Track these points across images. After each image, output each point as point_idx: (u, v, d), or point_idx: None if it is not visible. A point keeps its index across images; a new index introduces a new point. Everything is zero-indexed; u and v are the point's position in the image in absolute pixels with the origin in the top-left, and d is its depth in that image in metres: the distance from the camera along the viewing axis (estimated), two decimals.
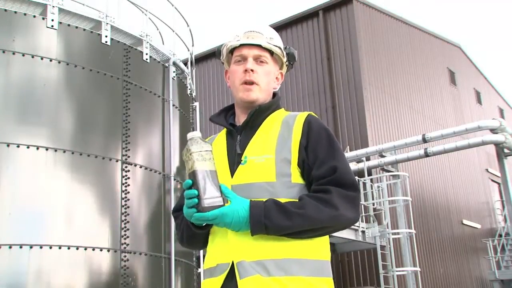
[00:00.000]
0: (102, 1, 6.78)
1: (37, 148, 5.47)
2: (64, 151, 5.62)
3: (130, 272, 5.79)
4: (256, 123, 1.97)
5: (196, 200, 1.70)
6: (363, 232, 12.62)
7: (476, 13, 77.63)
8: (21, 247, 5.12)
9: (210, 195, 1.69)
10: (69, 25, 6.13)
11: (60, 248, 5.31)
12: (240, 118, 2.02)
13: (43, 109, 5.69)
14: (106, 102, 6.27)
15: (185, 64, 8.12)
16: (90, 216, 5.71)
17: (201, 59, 18.73)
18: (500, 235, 19.37)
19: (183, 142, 6.96)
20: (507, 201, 14.30)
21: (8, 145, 5.36)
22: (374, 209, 13.15)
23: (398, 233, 13.01)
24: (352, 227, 11.82)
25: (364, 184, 13.10)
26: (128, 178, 6.07)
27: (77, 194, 5.68)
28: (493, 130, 13.38)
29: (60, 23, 6.03)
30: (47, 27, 5.90)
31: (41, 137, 5.55)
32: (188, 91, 7.96)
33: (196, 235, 1.92)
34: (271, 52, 2.01)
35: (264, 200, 1.78)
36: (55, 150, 5.56)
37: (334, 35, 16.48)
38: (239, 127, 2.00)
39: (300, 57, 16.43)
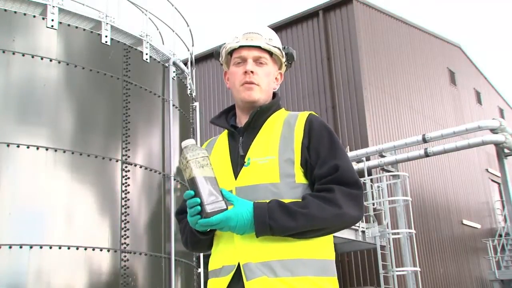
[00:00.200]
0: (102, 1, 6.78)
1: (37, 148, 5.47)
2: (64, 151, 5.62)
3: (130, 272, 5.79)
4: (257, 124, 1.97)
5: (199, 208, 1.69)
6: (363, 232, 12.62)
7: (476, 13, 77.65)
8: (21, 247, 5.12)
9: (211, 201, 1.69)
10: (69, 25, 6.13)
11: (60, 248, 5.30)
12: (241, 119, 2.02)
13: (43, 109, 5.69)
14: (106, 102, 6.26)
15: (185, 64, 8.12)
16: (90, 216, 5.71)
17: (201, 59, 18.73)
18: (500, 235, 19.37)
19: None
20: (507, 201, 14.30)
21: (8, 145, 5.36)
22: (374, 209, 13.15)
23: (398, 233, 13.01)
24: (352, 227, 11.82)
25: (364, 184, 13.09)
26: (128, 178, 6.07)
27: (77, 194, 5.68)
28: (493, 130, 13.39)
29: (60, 23, 6.02)
30: (47, 27, 5.89)
31: (41, 137, 5.55)
32: (188, 91, 7.96)
33: (201, 241, 1.91)
34: (270, 53, 2.01)
35: (267, 201, 1.78)
36: (55, 150, 5.56)
37: (334, 35, 16.48)
38: (241, 128, 1.99)
39: (300, 57, 16.44)
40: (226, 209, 1.70)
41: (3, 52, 5.61)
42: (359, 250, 13.90)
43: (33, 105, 5.65)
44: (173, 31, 7.91)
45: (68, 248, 5.34)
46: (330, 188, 1.80)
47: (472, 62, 23.32)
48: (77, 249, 5.40)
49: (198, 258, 7.55)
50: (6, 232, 5.18)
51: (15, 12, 5.83)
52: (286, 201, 1.78)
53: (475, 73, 23.47)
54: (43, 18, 5.92)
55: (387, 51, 17.17)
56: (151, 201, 6.42)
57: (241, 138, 1.97)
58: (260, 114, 1.96)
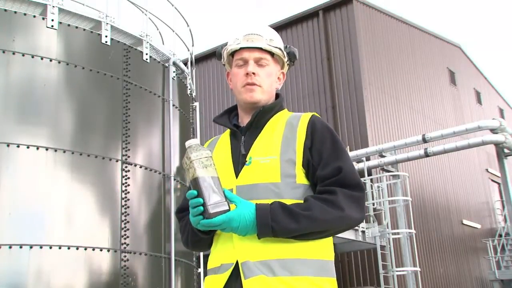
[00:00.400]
0: (102, 1, 6.79)
1: (37, 148, 5.47)
2: (64, 151, 5.61)
3: (130, 272, 5.79)
4: (260, 124, 1.97)
5: (201, 208, 1.69)
6: (363, 232, 12.62)
7: (476, 13, 77.66)
8: (21, 247, 5.12)
9: (214, 201, 1.69)
10: (69, 25, 6.12)
11: (60, 248, 5.30)
12: (244, 119, 2.02)
13: (43, 109, 5.69)
14: (106, 102, 6.26)
15: (185, 64, 8.12)
16: (90, 216, 5.71)
17: (201, 59, 18.73)
18: (500, 235, 19.38)
19: (183, 142, 6.94)
20: (507, 201, 14.30)
21: (8, 145, 5.36)
22: (374, 209, 13.15)
23: (398, 233, 13.00)
24: None
25: (364, 184, 13.08)
26: (128, 178, 6.07)
27: (77, 194, 5.67)
28: (493, 130, 13.38)
29: (60, 23, 6.02)
30: (47, 27, 5.89)
31: (41, 137, 5.55)
32: (188, 91, 7.96)
33: (201, 240, 1.92)
34: (271, 54, 2.01)
35: (269, 201, 1.78)
36: (55, 150, 5.56)
37: (334, 35, 16.48)
38: (243, 128, 2.00)
39: (300, 57, 16.43)
40: (229, 210, 1.70)
41: (3, 52, 5.61)
42: (359, 250, 13.90)
43: (33, 105, 5.65)
44: (173, 31, 7.91)
45: (68, 248, 5.34)
46: (332, 190, 1.80)
47: (472, 62, 23.32)
48: (77, 249, 5.40)
49: (198, 258, 7.54)
50: (6, 232, 5.18)
51: (15, 12, 5.83)
52: (286, 201, 1.79)
53: (475, 73, 23.47)
54: (43, 18, 5.91)
55: (387, 51, 17.17)
56: (151, 201, 6.42)
57: (243, 137, 1.97)
58: (262, 114, 1.97)
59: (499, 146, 13.62)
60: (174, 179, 6.76)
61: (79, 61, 6.03)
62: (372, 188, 13.20)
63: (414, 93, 18.05)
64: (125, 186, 6.00)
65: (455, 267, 17.30)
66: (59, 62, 5.87)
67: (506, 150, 13.71)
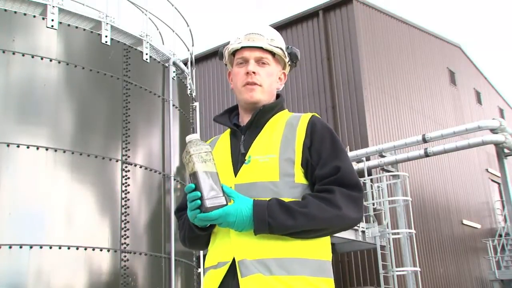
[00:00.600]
0: (102, 1, 6.79)
1: (37, 148, 5.47)
2: (64, 151, 5.62)
3: (130, 272, 5.79)
4: (260, 123, 1.98)
5: (199, 202, 1.70)
6: (363, 232, 12.62)
7: (476, 13, 77.66)
8: (21, 247, 5.12)
9: (212, 196, 1.69)
10: (69, 25, 6.13)
11: (60, 248, 5.30)
12: (244, 118, 2.03)
13: (43, 109, 5.69)
14: (106, 102, 6.26)
15: (185, 64, 8.12)
16: (90, 216, 5.71)
17: (201, 59, 18.73)
18: (500, 235, 19.38)
19: (183, 142, 6.94)
20: (507, 201, 14.30)
21: (8, 145, 5.36)
22: (374, 209, 13.15)
23: (398, 233, 13.00)
24: None
25: (364, 184, 13.08)
26: (128, 178, 6.07)
27: (77, 194, 5.68)
28: (493, 130, 13.38)
29: (60, 23, 6.02)
30: (47, 27, 5.89)
31: (41, 137, 5.55)
32: (188, 91, 7.96)
33: (199, 237, 1.92)
34: (272, 53, 2.02)
35: (267, 199, 1.78)
36: (55, 150, 5.56)
37: (334, 35, 16.48)
38: (243, 127, 2.01)
39: (300, 57, 16.27)
40: (226, 204, 1.71)
41: (3, 52, 5.61)
42: (359, 250, 13.90)
43: (33, 105, 5.65)
44: (173, 31, 7.91)
45: (68, 248, 5.34)
46: (330, 189, 1.80)
47: (472, 62, 23.32)
48: (77, 249, 5.40)
49: (198, 258, 7.54)
50: (6, 232, 5.18)
51: (15, 12, 5.83)
52: (285, 200, 1.79)
53: (475, 73, 23.47)
54: (43, 18, 5.92)
55: (387, 51, 17.17)
56: (151, 201, 6.42)
57: (243, 136, 1.98)
58: (262, 113, 1.97)
59: (499, 146, 13.63)
60: (174, 179, 6.76)
61: (79, 61, 6.03)
62: (372, 188, 13.20)
63: (414, 93, 18.05)
64: (125, 186, 6.01)
65: (455, 267, 17.30)
66: (59, 62, 5.87)
67: (506, 150, 13.71)
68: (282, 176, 1.83)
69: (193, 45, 8.57)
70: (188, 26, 8.43)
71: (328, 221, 1.77)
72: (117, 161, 6.03)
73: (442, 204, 17.55)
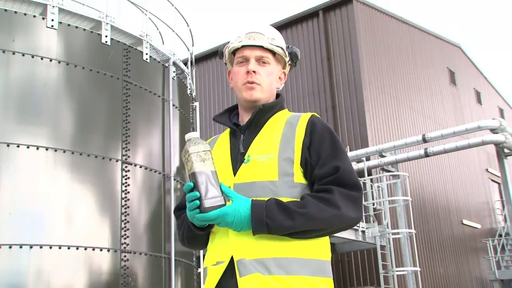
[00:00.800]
0: (102, 1, 6.79)
1: (37, 148, 5.47)
2: (64, 151, 5.62)
3: (130, 272, 5.79)
4: (259, 123, 1.97)
5: (197, 202, 1.69)
6: (363, 232, 12.62)
7: (476, 13, 77.66)
8: (21, 247, 5.12)
9: (210, 196, 1.69)
10: (69, 25, 6.13)
11: (60, 248, 5.30)
12: (244, 118, 2.03)
13: (43, 109, 5.69)
14: (106, 102, 6.26)
15: (185, 64, 8.12)
16: (90, 216, 5.71)
17: (201, 59, 18.73)
18: (500, 235, 19.37)
19: (183, 142, 6.93)
20: (507, 201, 14.31)
21: (8, 145, 5.36)
22: (374, 209, 13.15)
23: (398, 233, 13.00)
24: None
25: (364, 184, 13.08)
26: (128, 178, 6.07)
27: (77, 194, 5.68)
28: (493, 130, 13.39)
29: (60, 23, 6.02)
30: (47, 27, 5.89)
31: (41, 137, 5.55)
32: (188, 91, 7.96)
33: (197, 236, 1.92)
34: (273, 53, 2.01)
35: (266, 199, 1.78)
36: (55, 150, 5.56)
37: (334, 35, 16.49)
38: (242, 126, 2.00)
39: (300, 57, 16.29)
40: (224, 204, 1.70)
41: (3, 52, 5.61)
42: (359, 250, 13.90)
43: (33, 105, 5.65)
44: (173, 31, 7.91)
45: (68, 248, 5.34)
46: (329, 189, 1.79)
47: (472, 62, 23.32)
48: (77, 249, 5.40)
49: (198, 258, 7.54)
50: (6, 232, 5.18)
51: (15, 12, 5.83)
52: (284, 199, 1.78)
53: (475, 73, 23.47)
54: (43, 18, 5.92)
55: (387, 51, 17.17)
56: (151, 201, 6.42)
57: (242, 136, 1.97)
58: (262, 113, 1.97)
59: (499, 146, 13.63)
60: (174, 179, 6.76)
61: (79, 61, 6.03)
62: (372, 188, 13.20)
63: (414, 93, 18.05)
64: (125, 186, 6.01)
65: (455, 267, 17.30)
66: (59, 62, 5.87)
67: (506, 150, 13.72)
68: (281, 175, 1.83)
69: (193, 45, 8.57)
70: (188, 26, 8.43)
71: (327, 221, 1.76)
72: (117, 161, 6.03)
73: (442, 204, 17.55)
